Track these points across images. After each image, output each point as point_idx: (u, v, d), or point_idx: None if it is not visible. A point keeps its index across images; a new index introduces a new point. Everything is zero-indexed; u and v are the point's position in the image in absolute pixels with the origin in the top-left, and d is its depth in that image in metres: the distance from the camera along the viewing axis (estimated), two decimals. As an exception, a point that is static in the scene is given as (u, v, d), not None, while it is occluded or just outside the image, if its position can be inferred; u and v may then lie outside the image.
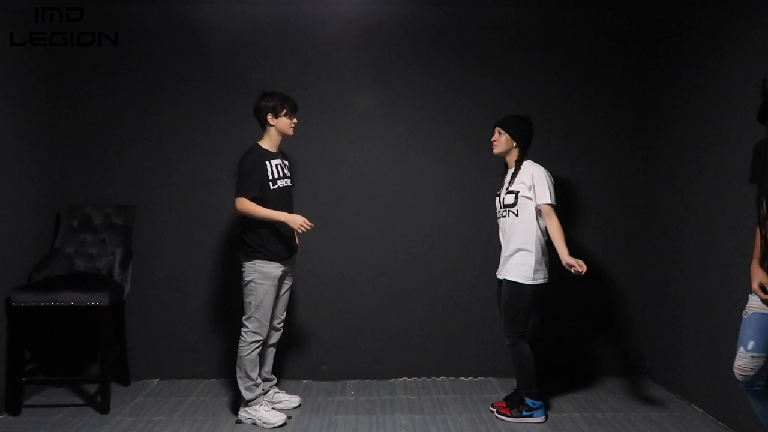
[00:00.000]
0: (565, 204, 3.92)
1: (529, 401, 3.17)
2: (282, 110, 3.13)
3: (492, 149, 3.22)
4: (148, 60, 3.86)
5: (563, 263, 2.95)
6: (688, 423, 3.18)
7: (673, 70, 3.68)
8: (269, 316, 3.12)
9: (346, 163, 3.93)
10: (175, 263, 3.88)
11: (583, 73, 3.97)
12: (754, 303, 2.28)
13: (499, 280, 3.22)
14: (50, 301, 3.19)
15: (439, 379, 3.93)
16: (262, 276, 3.07)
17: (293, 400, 3.44)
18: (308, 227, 3.04)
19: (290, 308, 3.88)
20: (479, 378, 3.93)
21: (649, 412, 3.33)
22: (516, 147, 3.17)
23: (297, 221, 3.03)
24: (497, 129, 3.21)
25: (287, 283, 3.30)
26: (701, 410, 3.33)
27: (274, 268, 3.09)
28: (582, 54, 3.97)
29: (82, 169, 3.85)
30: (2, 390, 3.24)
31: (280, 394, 3.43)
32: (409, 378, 3.94)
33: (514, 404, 3.23)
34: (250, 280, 3.08)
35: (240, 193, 3.02)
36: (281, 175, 3.15)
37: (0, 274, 3.26)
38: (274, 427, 3.09)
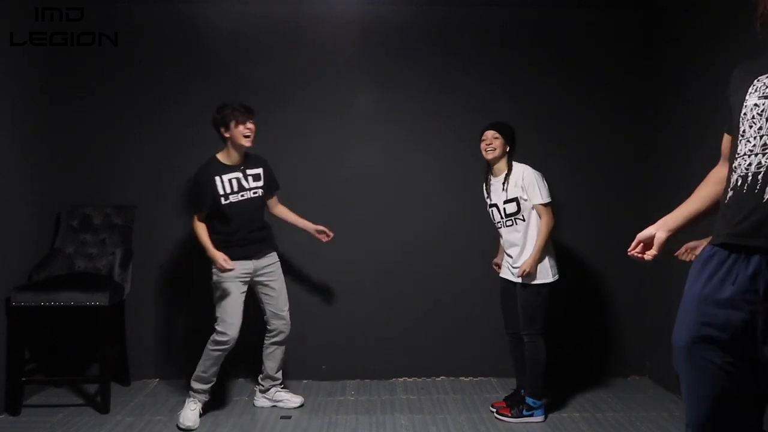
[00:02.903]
0: (564, 204, 3.92)
1: (530, 401, 3.17)
2: (231, 120, 3.06)
3: (486, 155, 3.15)
4: (148, 60, 3.86)
5: (521, 262, 3.04)
6: (688, 423, 3.18)
7: (673, 70, 3.68)
8: (234, 316, 3.12)
9: (345, 162, 3.92)
10: (175, 263, 3.88)
11: (583, 73, 3.96)
12: None
13: (508, 281, 3.22)
14: (50, 301, 3.19)
15: (439, 379, 3.93)
16: (222, 275, 3.10)
17: (294, 400, 3.44)
18: (225, 268, 3.03)
19: (290, 308, 3.88)
20: (479, 378, 3.93)
21: (649, 412, 3.33)
22: (508, 151, 3.16)
23: (217, 261, 3.04)
24: (492, 133, 3.13)
25: (269, 283, 3.26)
26: (701, 410, 3.33)
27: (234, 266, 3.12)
28: (582, 54, 3.96)
29: (82, 169, 3.85)
30: (2, 390, 3.24)
31: (282, 393, 3.44)
32: (409, 378, 3.94)
33: (513, 404, 3.23)
34: (213, 281, 3.14)
35: (192, 211, 3.15)
36: (236, 189, 3.13)
37: (0, 274, 3.26)
38: (181, 428, 3.07)
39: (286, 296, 3.36)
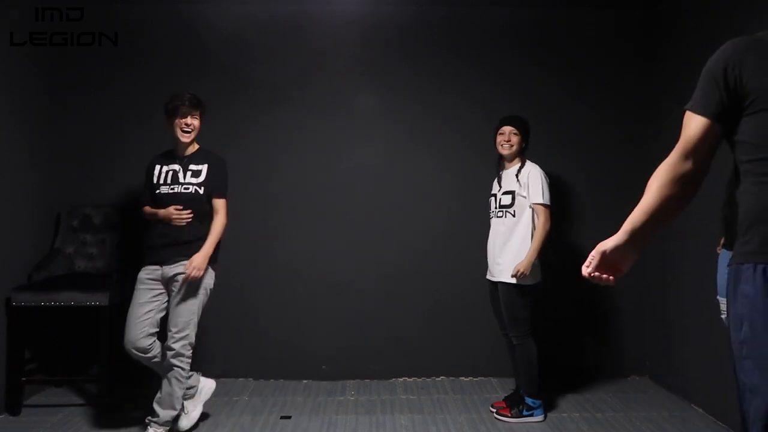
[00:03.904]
0: (564, 204, 3.93)
1: (529, 401, 3.17)
2: (173, 113, 2.87)
3: (502, 149, 3.19)
4: (148, 60, 3.86)
5: (517, 263, 3.02)
6: (688, 423, 3.18)
7: (673, 69, 3.68)
8: (130, 325, 2.80)
9: (345, 162, 3.92)
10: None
11: (583, 73, 3.97)
12: None
13: (492, 282, 3.23)
14: (50, 301, 3.19)
15: (439, 379, 3.93)
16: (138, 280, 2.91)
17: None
18: (177, 215, 2.82)
19: (290, 308, 3.89)
20: (479, 378, 3.93)
21: (649, 412, 3.33)
22: (524, 147, 3.21)
23: (168, 214, 2.84)
24: (511, 129, 3.17)
25: (172, 293, 2.84)
26: (701, 410, 3.33)
27: (143, 272, 2.90)
28: (582, 54, 3.97)
29: (82, 169, 3.85)
30: (2, 390, 3.24)
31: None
32: (409, 378, 3.94)
33: (513, 404, 3.23)
34: None
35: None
36: (170, 181, 2.90)
37: (0, 274, 3.25)
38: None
39: (188, 320, 2.82)
